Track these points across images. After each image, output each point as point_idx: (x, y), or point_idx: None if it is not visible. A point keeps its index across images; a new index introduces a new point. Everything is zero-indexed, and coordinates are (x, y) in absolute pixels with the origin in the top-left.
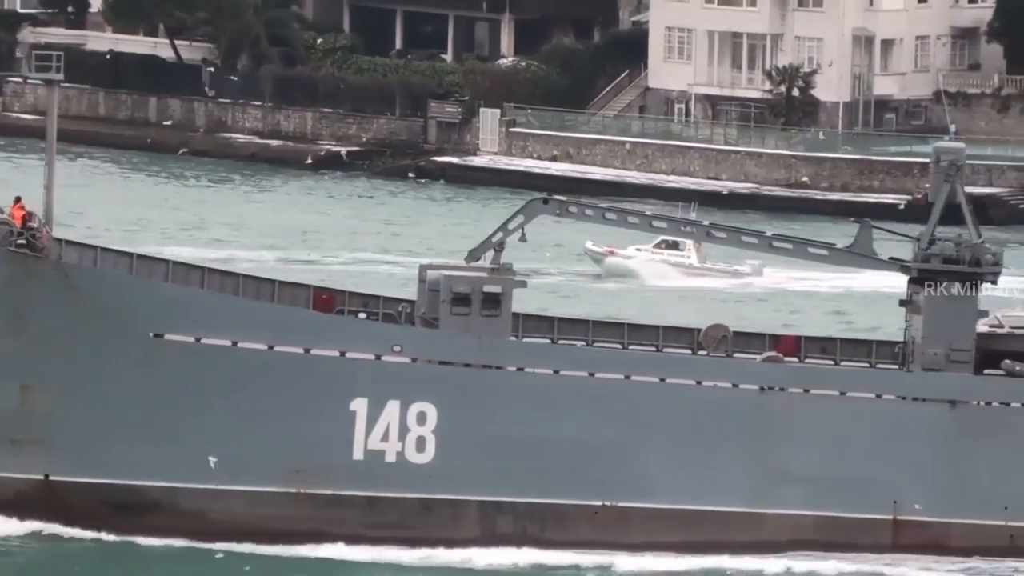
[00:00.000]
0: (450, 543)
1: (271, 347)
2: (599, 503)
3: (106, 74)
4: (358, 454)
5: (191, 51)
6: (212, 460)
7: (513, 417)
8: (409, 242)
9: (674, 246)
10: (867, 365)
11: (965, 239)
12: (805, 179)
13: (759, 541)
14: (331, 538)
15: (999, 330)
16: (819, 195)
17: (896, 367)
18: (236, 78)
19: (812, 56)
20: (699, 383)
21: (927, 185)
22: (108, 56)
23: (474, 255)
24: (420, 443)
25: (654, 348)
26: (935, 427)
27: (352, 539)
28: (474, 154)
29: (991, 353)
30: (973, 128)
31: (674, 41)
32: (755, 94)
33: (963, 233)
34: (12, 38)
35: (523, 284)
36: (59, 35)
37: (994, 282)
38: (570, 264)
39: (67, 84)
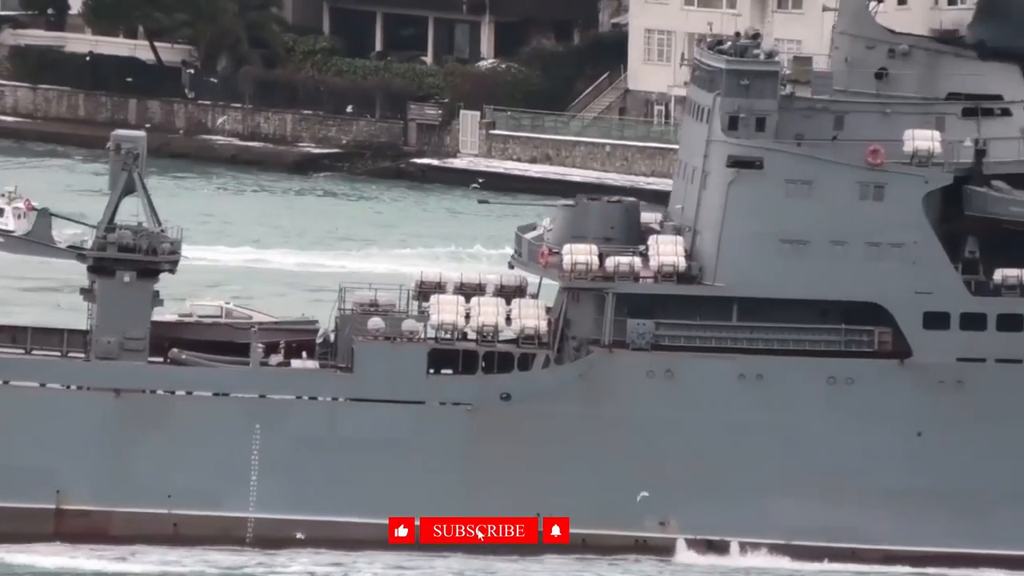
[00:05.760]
0: None
1: None
2: None
3: (86, 76)
4: None
5: (171, 53)
6: None
7: None
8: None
9: None
10: (60, 354)
11: (144, 227)
12: None
13: None
14: None
15: (187, 319)
16: None
17: (83, 356)
18: (216, 80)
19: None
20: None
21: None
22: (88, 58)
23: None
24: None
25: None
26: (100, 416)
27: None
28: (454, 156)
29: (178, 341)
30: None
31: (653, 43)
32: None
33: (144, 221)
34: None
35: None
36: (39, 37)
37: (172, 271)
38: None
39: (47, 86)
